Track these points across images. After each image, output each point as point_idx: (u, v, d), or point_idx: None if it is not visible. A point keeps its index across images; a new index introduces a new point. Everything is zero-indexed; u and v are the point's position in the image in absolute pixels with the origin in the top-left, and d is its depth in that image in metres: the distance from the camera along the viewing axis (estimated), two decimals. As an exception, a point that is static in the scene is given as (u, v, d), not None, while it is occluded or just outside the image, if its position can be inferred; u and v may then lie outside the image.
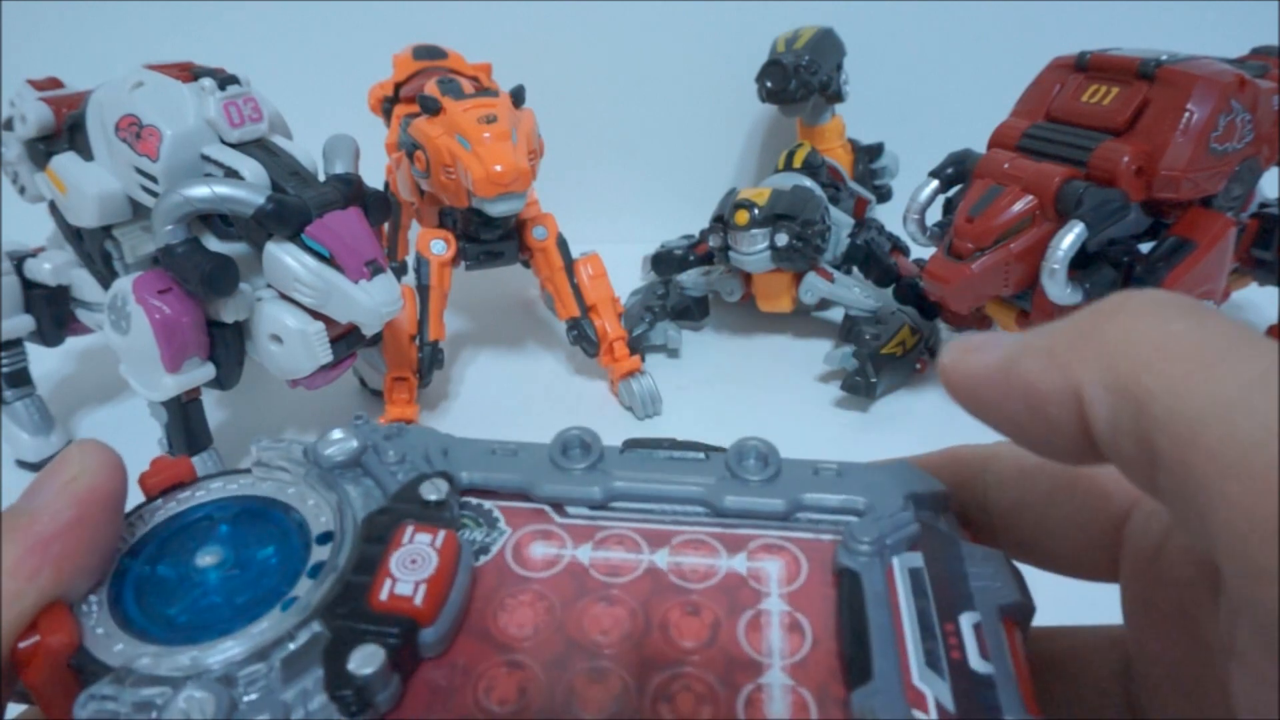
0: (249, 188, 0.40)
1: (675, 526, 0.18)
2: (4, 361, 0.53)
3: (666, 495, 0.18)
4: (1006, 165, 0.49)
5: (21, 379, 0.54)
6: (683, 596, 0.17)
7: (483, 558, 0.17)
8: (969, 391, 0.15)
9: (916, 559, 0.17)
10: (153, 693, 0.14)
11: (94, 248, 0.47)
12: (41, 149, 0.47)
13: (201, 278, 0.40)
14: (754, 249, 0.58)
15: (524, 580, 0.17)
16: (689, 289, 0.66)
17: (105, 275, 0.48)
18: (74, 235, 0.48)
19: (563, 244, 0.59)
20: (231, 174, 0.41)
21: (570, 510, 0.18)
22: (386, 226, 0.71)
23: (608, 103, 0.80)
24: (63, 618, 0.15)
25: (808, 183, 0.62)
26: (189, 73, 0.43)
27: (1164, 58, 0.47)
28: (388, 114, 0.64)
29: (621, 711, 0.14)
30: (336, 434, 0.18)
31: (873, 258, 0.63)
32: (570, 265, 0.59)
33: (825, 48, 0.68)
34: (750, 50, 0.71)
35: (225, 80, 0.42)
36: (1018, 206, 0.47)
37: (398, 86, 0.63)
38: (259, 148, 0.43)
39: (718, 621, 0.16)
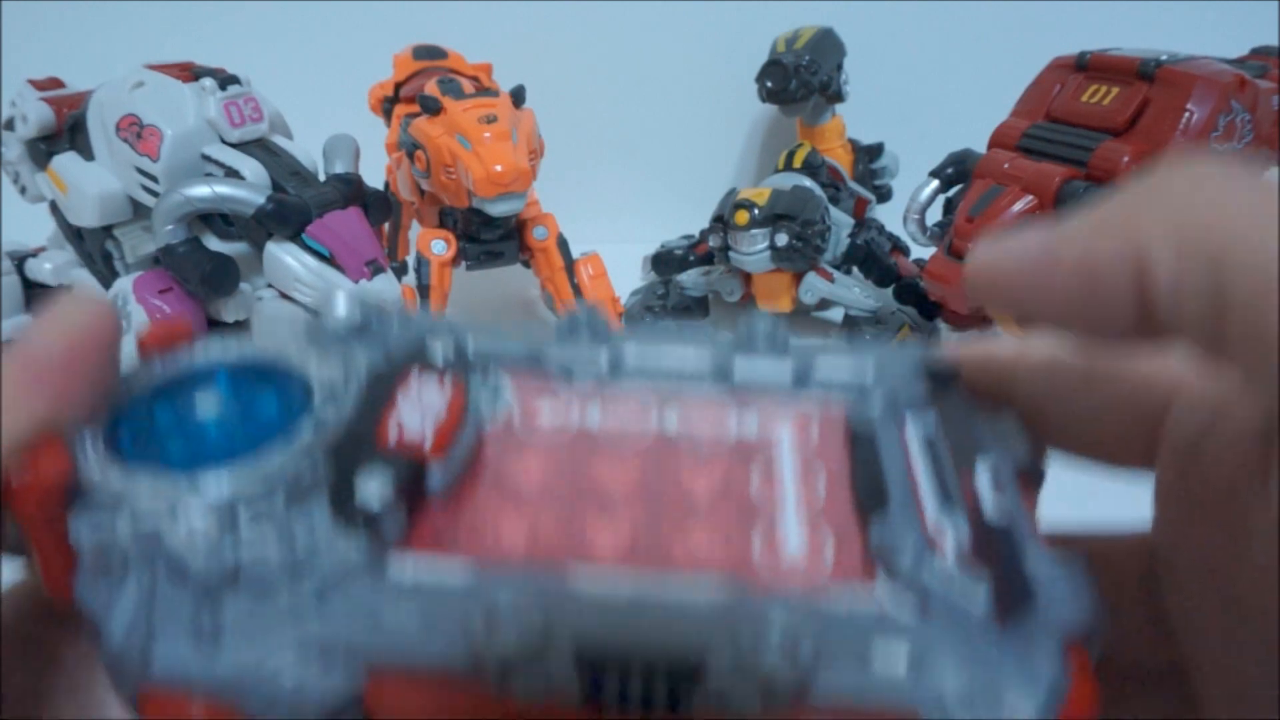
0: (249, 187, 0.40)
1: (685, 394, 0.18)
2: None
3: (675, 364, 0.18)
4: (1006, 165, 0.49)
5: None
6: (694, 451, 0.16)
7: (490, 420, 0.17)
8: (1008, 282, 0.15)
9: (929, 416, 0.17)
10: (151, 517, 0.13)
11: (95, 247, 0.47)
12: (42, 149, 0.47)
13: (202, 277, 0.40)
14: (754, 249, 0.58)
15: (531, 438, 0.17)
16: (689, 289, 0.66)
17: (106, 275, 0.48)
18: (75, 235, 0.48)
19: (563, 244, 0.59)
20: (232, 174, 0.41)
21: (578, 378, 0.18)
22: (387, 226, 0.71)
23: (608, 103, 0.80)
24: (56, 448, 0.14)
25: (808, 183, 0.62)
26: (189, 73, 0.43)
27: (1164, 58, 0.47)
28: (388, 114, 0.64)
29: (633, 552, 0.14)
30: (342, 299, 0.18)
31: (873, 258, 0.63)
32: (571, 265, 0.59)
33: (825, 48, 0.68)
34: (750, 50, 0.71)
35: (226, 80, 0.42)
36: (1018, 206, 0.47)
37: (398, 86, 0.63)
38: (259, 148, 0.43)
39: (730, 471, 0.16)
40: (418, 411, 0.15)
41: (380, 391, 0.16)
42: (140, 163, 0.41)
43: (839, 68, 0.69)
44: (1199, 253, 0.12)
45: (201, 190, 0.40)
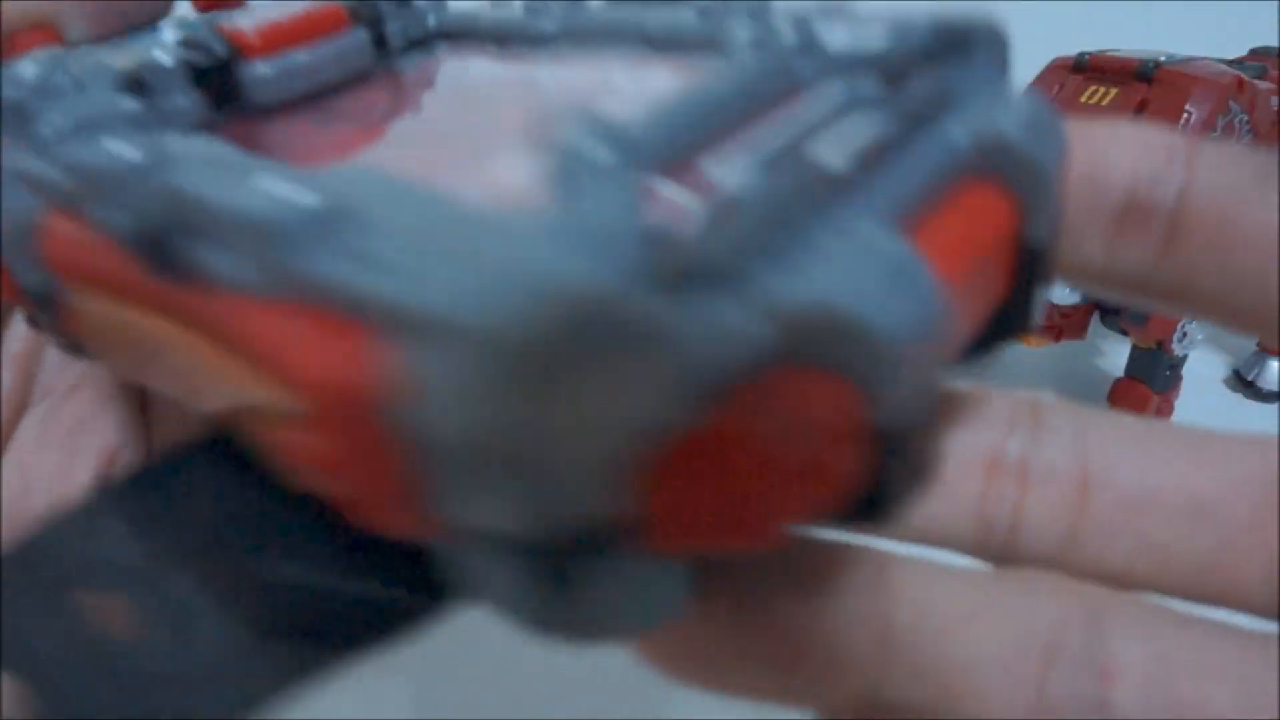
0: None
1: (597, 59, 0.15)
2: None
3: (613, 27, 0.15)
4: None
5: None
6: (534, 96, 0.14)
7: (383, 71, 0.16)
8: None
9: (875, 82, 0.11)
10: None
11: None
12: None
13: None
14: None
15: (403, 86, 0.15)
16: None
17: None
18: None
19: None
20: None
21: (512, 46, 0.16)
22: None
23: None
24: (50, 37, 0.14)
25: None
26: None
27: (1162, 59, 0.47)
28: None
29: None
30: None
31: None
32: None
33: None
34: (750, 51, 0.71)
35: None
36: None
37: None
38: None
39: (544, 113, 0.10)
40: (270, 13, 0.14)
41: None
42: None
43: (839, 68, 0.69)
44: None
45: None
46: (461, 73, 0.16)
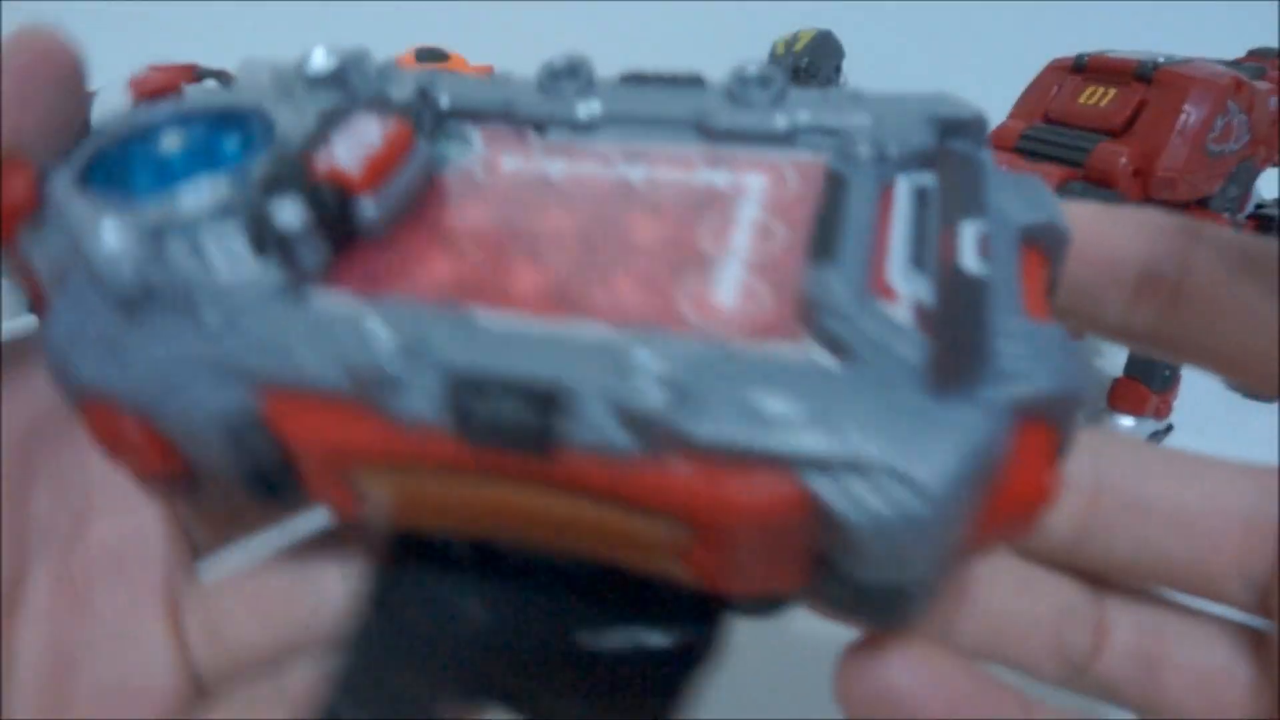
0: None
1: (659, 146, 0.16)
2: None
3: (657, 116, 0.17)
4: (1004, 167, 0.49)
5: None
6: (650, 200, 0.15)
7: (448, 169, 0.16)
8: None
9: (926, 177, 0.15)
10: (80, 234, 0.14)
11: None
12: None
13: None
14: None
15: (485, 185, 0.16)
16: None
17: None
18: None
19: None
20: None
21: (554, 131, 0.17)
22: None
23: (608, 104, 0.81)
24: (22, 170, 0.14)
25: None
26: (193, 74, 0.43)
27: (1161, 60, 0.47)
28: (390, 115, 0.64)
29: (550, 297, 0.13)
30: (320, 49, 0.17)
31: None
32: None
33: (824, 50, 0.68)
34: (750, 52, 0.71)
35: (229, 81, 0.43)
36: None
37: (400, 88, 0.63)
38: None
39: (680, 222, 0.15)
40: (352, 143, 0.15)
41: (324, 128, 0.15)
42: (144, 164, 0.42)
43: (838, 70, 0.70)
44: None
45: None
46: (535, 172, 0.16)
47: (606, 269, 0.14)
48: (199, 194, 0.14)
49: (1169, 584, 0.16)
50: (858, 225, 0.14)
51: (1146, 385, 0.50)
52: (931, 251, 0.13)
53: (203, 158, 0.16)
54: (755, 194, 0.15)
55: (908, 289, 0.13)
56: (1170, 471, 0.16)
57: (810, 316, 0.12)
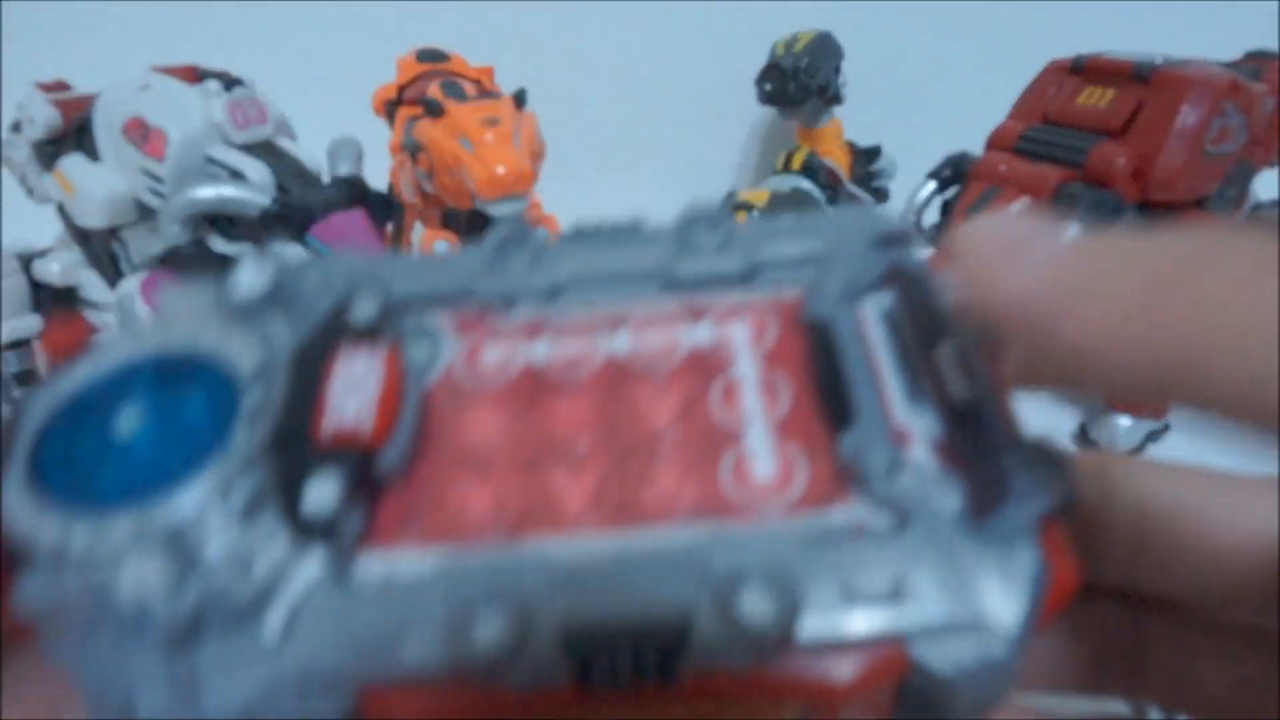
0: (254, 189, 0.41)
1: (630, 306, 0.16)
2: (12, 362, 0.54)
3: (616, 273, 0.17)
4: (1003, 167, 0.50)
5: (29, 379, 0.55)
6: (650, 377, 0.15)
7: (432, 373, 0.16)
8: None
9: (887, 297, 0.16)
10: (98, 567, 0.12)
11: (101, 249, 0.48)
12: (49, 151, 0.48)
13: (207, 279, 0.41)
14: (753, 250, 0.58)
15: (480, 389, 0.15)
16: (689, 290, 0.66)
17: (112, 276, 0.48)
18: (81, 236, 0.49)
19: (564, 245, 0.59)
20: (236, 175, 0.41)
21: (518, 306, 0.17)
22: (390, 228, 0.72)
23: (609, 105, 0.81)
24: None
25: (806, 185, 0.63)
26: (194, 75, 0.43)
27: (1159, 61, 0.47)
28: (391, 116, 0.64)
29: (602, 507, 0.13)
30: (248, 266, 0.16)
31: (871, 259, 0.63)
32: (571, 266, 0.59)
33: (824, 51, 0.68)
34: (750, 53, 0.72)
35: (230, 82, 0.43)
36: (1015, 208, 0.48)
37: (401, 89, 0.63)
38: (264, 149, 0.43)
39: (690, 396, 0.15)
40: (353, 395, 0.14)
41: (308, 375, 0.14)
42: (146, 164, 0.42)
43: (837, 70, 0.70)
44: None
45: (206, 192, 0.40)
46: (521, 362, 0.16)
47: (644, 465, 0.14)
48: (198, 494, 0.13)
49: (1208, 603, 0.16)
50: (857, 371, 0.14)
51: (1144, 385, 0.50)
52: (922, 382, 0.14)
53: (170, 435, 0.14)
54: (744, 347, 0.16)
55: (919, 427, 0.14)
56: (1204, 487, 0.16)
57: (852, 480, 0.13)
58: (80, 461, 0.14)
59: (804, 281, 0.16)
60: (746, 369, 0.15)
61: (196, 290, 0.16)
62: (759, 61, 0.69)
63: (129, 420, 0.14)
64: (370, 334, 0.15)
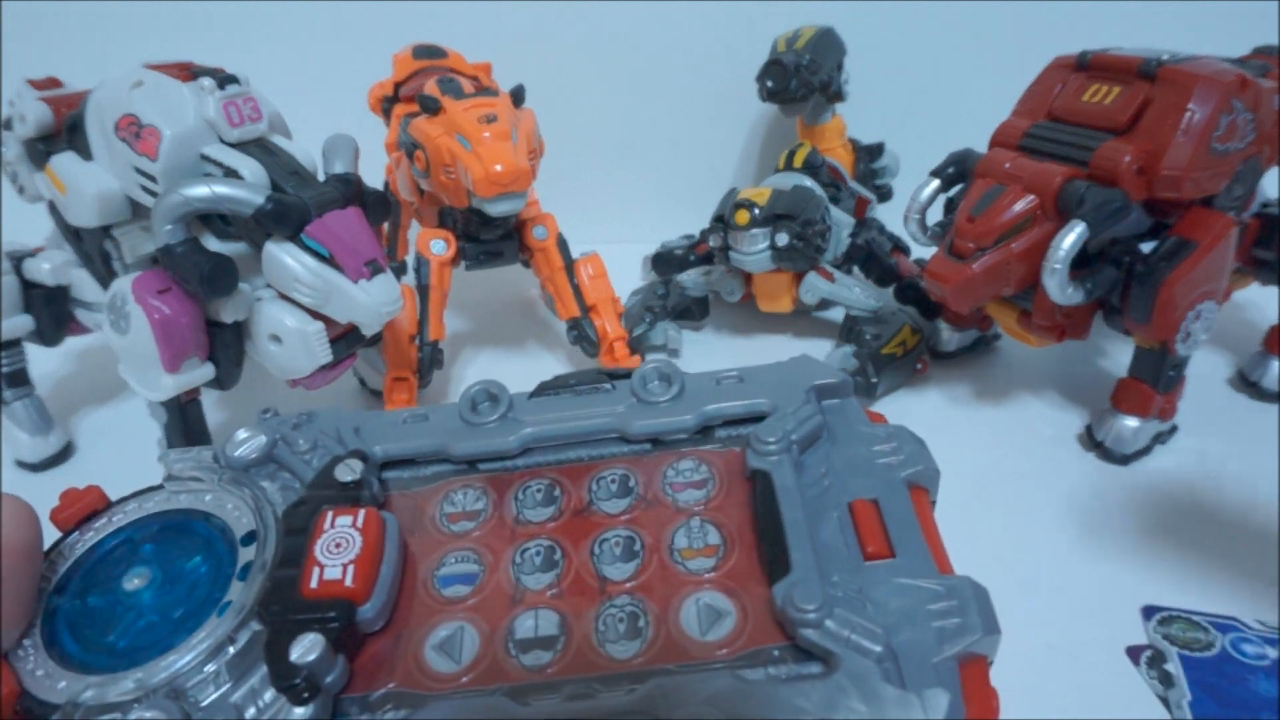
0: (248, 187, 0.40)
1: (590, 460, 0.19)
2: (3, 361, 0.53)
3: (577, 432, 0.19)
4: (1008, 165, 0.49)
5: (20, 379, 0.54)
6: (611, 531, 0.17)
7: (410, 529, 0.18)
8: None
9: (822, 449, 0.18)
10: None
11: (93, 247, 0.47)
12: (41, 149, 0.47)
13: (201, 277, 0.40)
14: (754, 249, 0.58)
15: (454, 539, 0.17)
16: (689, 289, 0.66)
17: (104, 275, 0.48)
18: (73, 235, 0.48)
19: (563, 244, 0.59)
20: (231, 173, 0.41)
21: (488, 464, 0.19)
22: (386, 226, 0.71)
23: (608, 102, 0.80)
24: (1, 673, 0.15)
25: (808, 182, 0.62)
26: (188, 72, 0.43)
27: (1165, 57, 0.47)
28: (387, 113, 0.64)
29: (565, 655, 0.15)
30: (243, 433, 0.19)
31: (873, 258, 0.63)
32: (570, 265, 0.59)
33: (826, 47, 0.68)
34: (750, 50, 0.71)
35: (224, 80, 0.42)
36: (1019, 206, 0.47)
37: (397, 86, 0.63)
38: (258, 147, 0.43)
39: (649, 549, 0.17)
40: (336, 554, 0.16)
41: (297, 534, 0.16)
42: (139, 162, 0.41)
43: (839, 67, 0.69)
44: None
45: (200, 190, 0.39)
46: (479, 516, 0.18)
47: (611, 619, 0.16)
48: (196, 651, 0.14)
49: None
50: (794, 525, 0.16)
51: (1151, 386, 0.50)
52: (850, 534, 0.16)
53: (172, 593, 0.16)
54: (693, 499, 0.18)
55: (850, 579, 0.15)
56: None
57: (789, 628, 0.15)
58: (94, 621, 0.16)
59: (746, 436, 0.19)
60: (696, 523, 0.17)
61: (198, 452, 0.18)
62: (760, 58, 0.68)
63: (134, 582, 0.17)
64: (354, 494, 0.17)
